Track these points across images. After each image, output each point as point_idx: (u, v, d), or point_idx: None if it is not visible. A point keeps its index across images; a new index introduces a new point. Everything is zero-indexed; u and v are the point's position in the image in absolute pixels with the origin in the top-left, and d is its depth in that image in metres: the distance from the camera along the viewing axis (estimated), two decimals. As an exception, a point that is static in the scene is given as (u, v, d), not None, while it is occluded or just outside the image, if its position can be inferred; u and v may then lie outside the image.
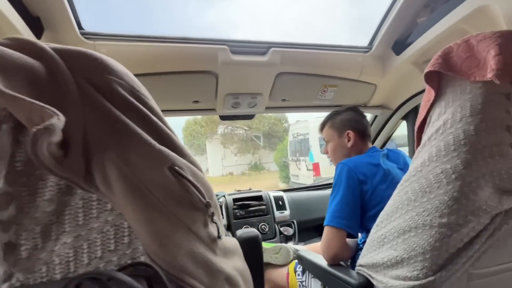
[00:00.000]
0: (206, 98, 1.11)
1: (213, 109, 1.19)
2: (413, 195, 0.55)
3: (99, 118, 0.29)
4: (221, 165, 13.79)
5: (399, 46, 1.12)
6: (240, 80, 1.06)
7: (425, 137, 0.58)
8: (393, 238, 0.57)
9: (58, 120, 0.23)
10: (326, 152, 1.05)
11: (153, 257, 0.30)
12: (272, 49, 1.00)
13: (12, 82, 0.25)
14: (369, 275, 0.63)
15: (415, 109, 1.34)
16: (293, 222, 1.38)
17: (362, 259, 0.65)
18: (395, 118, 1.39)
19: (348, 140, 0.97)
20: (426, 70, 0.58)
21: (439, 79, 0.59)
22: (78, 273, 0.30)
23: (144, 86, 1.06)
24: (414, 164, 0.57)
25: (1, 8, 0.59)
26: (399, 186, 0.59)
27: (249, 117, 1.32)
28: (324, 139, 1.06)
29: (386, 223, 0.60)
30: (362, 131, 0.99)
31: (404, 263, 0.54)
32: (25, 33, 0.68)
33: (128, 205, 0.29)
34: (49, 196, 0.29)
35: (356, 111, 1.02)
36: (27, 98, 0.24)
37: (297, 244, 1.32)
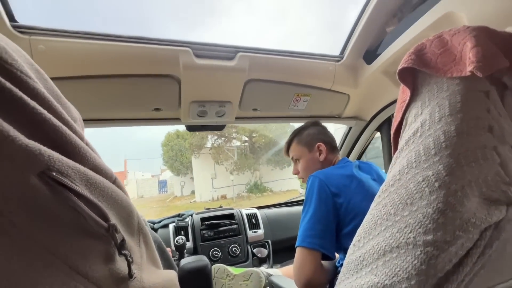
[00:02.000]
0: (169, 106, 1.01)
1: (178, 118, 1.09)
2: (392, 208, 0.47)
3: None
4: (211, 186, 11.24)
5: (370, 55, 1.10)
6: (205, 87, 0.97)
7: (402, 142, 0.51)
8: (373, 260, 0.48)
9: None
10: (296, 173, 1.00)
11: None
12: (240, 53, 0.94)
13: None
14: (348, 306, 0.53)
15: (389, 120, 1.32)
16: (267, 242, 1.26)
17: (339, 285, 0.56)
18: (369, 129, 1.37)
19: (320, 153, 0.93)
20: (399, 67, 0.53)
21: (414, 77, 0.54)
22: None
23: (95, 89, 0.92)
24: (391, 172, 0.50)
25: None
26: (376, 198, 0.52)
27: (219, 127, 1.22)
28: (292, 159, 1.01)
29: (364, 241, 0.52)
30: (331, 143, 0.97)
31: (386, 291, 0.45)
32: None
33: None
34: None
35: (319, 125, 1.01)
36: None
37: (271, 267, 1.19)
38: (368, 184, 0.80)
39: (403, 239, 0.44)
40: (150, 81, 0.90)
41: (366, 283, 0.48)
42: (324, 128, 1.00)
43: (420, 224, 0.42)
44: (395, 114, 0.56)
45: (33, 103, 0.23)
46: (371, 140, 1.42)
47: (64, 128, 0.25)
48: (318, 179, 0.76)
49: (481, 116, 0.44)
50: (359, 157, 1.46)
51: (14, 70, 0.23)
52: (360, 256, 0.51)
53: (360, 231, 0.54)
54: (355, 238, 0.54)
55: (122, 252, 0.25)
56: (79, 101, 0.86)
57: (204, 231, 1.18)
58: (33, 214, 0.20)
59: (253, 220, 1.29)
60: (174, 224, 1.18)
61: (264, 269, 1.00)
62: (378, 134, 1.39)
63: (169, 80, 0.91)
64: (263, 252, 1.22)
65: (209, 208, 1.35)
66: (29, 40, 0.72)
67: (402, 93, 0.55)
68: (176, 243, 0.99)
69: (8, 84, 0.22)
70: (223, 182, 11.15)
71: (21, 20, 0.72)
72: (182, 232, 1.15)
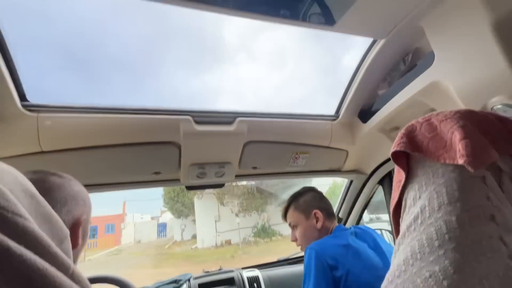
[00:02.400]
0: (168, 169, 1.02)
1: (177, 180, 1.09)
2: (401, 305, 0.44)
3: None
4: (215, 230, 10.23)
5: (365, 114, 1.14)
6: (205, 150, 0.99)
7: (403, 226, 0.50)
8: None
9: None
10: (294, 240, 0.98)
11: None
12: (239, 118, 0.98)
13: None
14: None
15: (390, 174, 1.31)
16: (271, 311, 1.16)
17: None
18: (371, 183, 1.35)
19: (317, 221, 0.93)
20: (391, 151, 0.54)
21: (407, 158, 0.55)
22: None
23: (96, 160, 0.93)
24: (396, 260, 0.48)
25: None
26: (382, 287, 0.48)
27: (219, 186, 1.22)
28: (289, 225, 1.00)
29: None
30: (328, 210, 0.96)
31: None
32: None
33: None
34: None
35: (315, 190, 1.01)
36: None
37: None
38: (366, 253, 0.78)
39: None
40: (151, 148, 0.92)
41: None
42: (321, 194, 1.01)
43: (433, 330, 0.39)
44: (392, 193, 0.56)
45: (20, 251, 0.23)
46: (374, 193, 1.40)
47: (49, 270, 0.24)
48: (314, 252, 0.76)
49: (481, 204, 0.43)
50: (362, 211, 1.42)
51: (5, 213, 0.24)
52: None
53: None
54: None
55: None
56: (83, 170, 0.88)
57: (202, 300, 1.09)
58: None
59: (255, 284, 1.21)
60: (170, 292, 1.10)
61: None
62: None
63: (170, 146, 0.94)
64: (266, 324, 1.11)
65: (208, 272, 1.27)
66: (37, 117, 0.76)
67: (398, 172, 0.55)
68: (171, 319, 0.91)
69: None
70: (227, 225, 10.16)
71: (32, 99, 0.77)
72: (179, 302, 1.07)
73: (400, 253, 0.47)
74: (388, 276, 0.47)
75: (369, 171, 1.32)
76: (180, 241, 13.39)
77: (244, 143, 1.03)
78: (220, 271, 1.27)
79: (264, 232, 10.02)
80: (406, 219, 0.50)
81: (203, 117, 0.94)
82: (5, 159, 0.78)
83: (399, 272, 0.45)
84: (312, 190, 1.02)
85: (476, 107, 0.79)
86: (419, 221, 0.46)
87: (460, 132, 0.44)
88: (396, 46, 0.94)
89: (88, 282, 0.28)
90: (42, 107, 0.77)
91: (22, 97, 0.76)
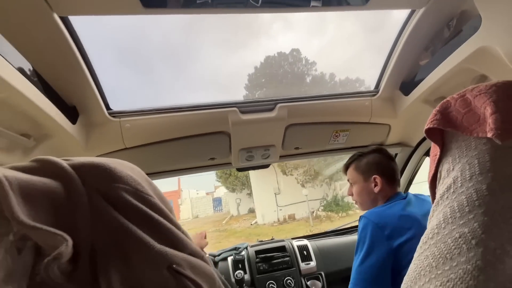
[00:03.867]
0: (221, 155, 1.17)
1: (229, 163, 1.24)
2: (434, 261, 0.50)
3: (105, 228, 0.33)
4: (275, 204, 8.72)
5: (407, 86, 1.12)
6: (251, 136, 1.11)
7: (437, 195, 0.55)
8: (420, 310, 0.52)
9: (66, 247, 0.27)
10: (350, 194, 1.00)
11: None
12: (279, 104, 1.06)
13: (36, 210, 0.30)
14: None
15: (437, 145, 1.28)
16: (320, 274, 1.29)
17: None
18: (417, 155, 1.33)
19: (375, 185, 0.91)
20: (425, 127, 0.57)
21: (442, 133, 0.58)
22: None
23: (163, 151, 1.14)
24: (430, 225, 0.54)
25: (41, 105, 0.70)
26: (418, 248, 0.55)
27: (265, 166, 1.34)
28: (348, 180, 1.01)
29: (410, 290, 0.55)
30: (390, 176, 0.92)
31: None
32: (63, 122, 0.79)
33: None
34: None
35: (383, 153, 0.96)
36: (44, 227, 0.28)
37: (327, 300, 1.21)
38: (419, 222, 0.80)
39: (447, 293, 0.47)
40: (206, 138, 1.07)
41: (416, 332, 0.51)
42: (387, 157, 0.95)
43: (461, 280, 0.46)
44: (429, 165, 0.60)
45: (157, 217, 0.37)
46: (421, 165, 1.38)
47: (172, 227, 0.38)
48: (371, 222, 0.76)
49: (513, 173, 0.47)
50: (409, 183, 1.42)
51: (144, 195, 0.38)
52: (408, 305, 0.55)
53: (406, 279, 0.57)
54: (403, 286, 0.58)
55: None
56: (156, 160, 1.08)
57: (259, 264, 1.27)
58: None
59: (305, 252, 1.34)
60: (232, 257, 1.30)
61: None
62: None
63: (221, 135, 1.08)
64: (317, 285, 1.25)
65: (262, 241, 1.45)
66: (119, 122, 0.96)
67: (433, 146, 0.60)
68: (236, 278, 1.10)
69: (144, 208, 0.36)
70: (289, 198, 8.58)
71: (114, 107, 0.96)
72: (240, 266, 1.26)
73: (434, 219, 0.54)
74: (423, 238, 0.54)
75: (414, 143, 1.30)
76: (237, 216, 12.90)
77: (285, 126, 1.12)
78: (272, 240, 1.43)
79: (336, 206, 8.30)
80: (440, 189, 0.55)
81: (247, 107, 1.05)
82: (100, 156, 1.01)
83: (432, 234, 0.52)
84: (379, 151, 0.96)
85: (530, 70, 0.74)
86: (452, 190, 0.52)
87: (492, 107, 0.47)
88: (438, 12, 0.90)
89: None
90: (123, 112, 0.96)
91: (107, 106, 0.96)
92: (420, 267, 0.54)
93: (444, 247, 0.49)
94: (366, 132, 1.24)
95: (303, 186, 8.62)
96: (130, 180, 0.38)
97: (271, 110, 1.07)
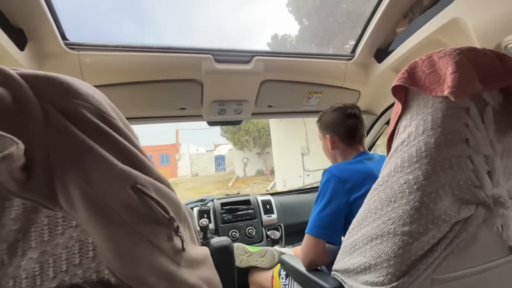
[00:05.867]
0: (192, 105, 1.13)
1: (200, 116, 1.21)
2: (380, 204, 0.57)
3: (62, 141, 0.31)
4: (301, 167, 6.60)
5: (381, 54, 1.15)
6: (225, 88, 1.08)
7: (392, 148, 0.60)
8: (363, 245, 0.60)
9: (17, 149, 0.25)
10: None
11: (114, 271, 0.32)
12: (256, 57, 1.03)
13: None
14: (342, 280, 0.65)
15: (399, 115, 1.37)
16: (280, 226, 1.40)
17: (337, 264, 0.68)
18: (379, 123, 1.43)
19: (330, 144, 0.94)
20: (392, 84, 0.60)
21: (406, 93, 0.61)
22: (45, 287, 0.32)
23: (129, 95, 1.07)
24: (382, 174, 0.60)
25: None
26: (369, 194, 0.62)
27: (237, 122, 1.34)
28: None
29: (357, 230, 0.63)
30: (345, 134, 0.92)
31: (371, 269, 0.56)
32: (7, 45, 0.69)
33: (91, 223, 0.31)
34: (14, 215, 0.30)
35: (341, 112, 0.93)
36: None
37: (283, 247, 1.34)
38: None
39: (386, 229, 0.55)
40: (177, 85, 1.02)
41: (356, 262, 0.60)
42: (344, 116, 0.92)
43: (399, 218, 0.53)
44: (390, 123, 0.65)
45: (120, 138, 0.35)
46: (382, 133, 1.48)
47: (137, 152, 0.38)
48: (334, 177, 0.80)
49: (459, 129, 0.53)
50: (369, 149, 1.53)
51: (107, 116, 0.36)
52: (353, 241, 0.63)
53: (354, 221, 0.65)
54: (351, 227, 0.66)
55: (178, 234, 0.38)
56: (118, 104, 1.00)
57: (224, 215, 1.33)
58: (130, 211, 0.33)
59: (268, 206, 1.43)
60: (198, 208, 1.34)
61: (277, 248, 1.14)
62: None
63: (193, 83, 1.03)
64: (276, 234, 1.36)
65: (228, 194, 1.50)
66: (78, 55, 0.86)
67: (396, 105, 0.64)
68: (201, 225, 1.15)
69: (106, 128, 0.34)
70: (320, 161, 6.08)
71: (71, 38, 0.85)
72: (205, 215, 1.31)
73: (386, 169, 0.59)
74: (374, 186, 0.61)
75: (379, 112, 1.38)
76: (243, 177, 11.29)
77: (260, 81, 1.10)
78: (238, 195, 1.49)
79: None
80: (394, 144, 0.61)
81: (222, 55, 1.00)
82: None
83: (382, 182, 0.58)
84: (337, 110, 0.93)
85: (491, 46, 0.80)
86: (405, 143, 0.57)
87: (453, 67, 0.51)
88: (421, -23, 0.90)
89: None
90: (82, 45, 0.86)
91: (63, 36, 0.84)
92: (368, 210, 0.61)
93: (390, 192, 0.56)
94: (338, 96, 1.27)
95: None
96: (92, 99, 0.35)
97: (247, 62, 1.03)
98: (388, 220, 0.54)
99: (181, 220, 0.42)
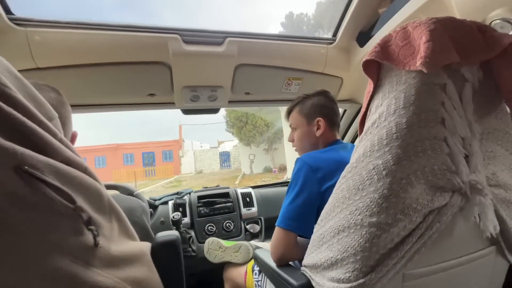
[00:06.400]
0: (162, 91, 1.05)
1: (172, 103, 1.13)
2: (347, 192, 0.52)
3: None
4: None
5: (363, 38, 1.08)
6: (196, 72, 1.00)
7: (363, 132, 0.55)
8: (330, 238, 0.54)
9: None
10: (291, 140, 0.97)
11: None
12: (229, 39, 0.95)
13: None
14: (310, 276, 0.60)
15: (383, 103, 1.32)
16: (260, 219, 1.35)
17: (306, 259, 0.62)
18: (364, 113, 1.37)
19: (318, 128, 0.89)
20: (363, 59, 0.54)
21: (379, 69, 0.56)
22: None
23: (89, 78, 0.98)
24: (352, 159, 0.54)
25: None
26: (337, 182, 0.56)
27: (214, 111, 1.27)
28: (290, 126, 0.98)
29: (325, 222, 0.57)
30: (332, 119, 0.90)
31: (338, 265, 0.51)
32: None
33: None
34: None
35: (326, 96, 0.92)
36: None
37: (263, 241, 1.29)
38: None
39: (353, 220, 0.49)
40: (143, 68, 0.94)
41: (323, 257, 0.55)
42: (331, 101, 0.91)
43: (367, 208, 0.47)
44: (362, 104, 0.59)
45: (10, 110, 0.28)
46: (365, 123, 1.43)
47: (38, 128, 0.30)
48: (306, 165, 0.76)
49: (434, 108, 0.47)
50: (353, 141, 1.48)
51: None
52: (321, 234, 0.57)
53: (323, 212, 0.59)
54: (319, 218, 0.60)
55: (89, 227, 0.31)
56: (74, 89, 0.92)
57: (200, 208, 1.27)
58: (12, 199, 0.26)
59: (247, 198, 1.37)
60: (173, 201, 1.27)
61: (253, 242, 1.08)
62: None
63: (160, 66, 0.95)
64: (255, 228, 1.30)
65: (207, 187, 1.44)
66: (26, 31, 0.77)
67: (369, 84, 0.57)
68: (173, 219, 1.08)
69: None
70: None
71: (17, 12, 0.76)
72: (180, 209, 1.24)
73: (355, 154, 0.53)
74: (342, 173, 0.55)
75: (362, 101, 1.32)
76: (250, 175, 10.94)
77: (235, 66, 1.02)
78: (217, 187, 1.43)
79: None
80: (366, 125, 0.54)
81: (191, 36, 0.92)
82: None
83: (350, 168, 0.53)
84: (323, 93, 0.92)
85: (475, 24, 0.74)
86: (375, 125, 0.51)
87: (427, 36, 0.45)
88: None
89: (73, 154, 0.35)
90: (30, 21, 0.77)
91: (7, 10, 0.76)
92: (336, 199, 0.56)
93: (359, 179, 0.50)
94: (319, 83, 1.21)
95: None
96: None
97: (219, 44, 0.96)
98: (356, 210, 0.49)
99: (101, 211, 0.35)
